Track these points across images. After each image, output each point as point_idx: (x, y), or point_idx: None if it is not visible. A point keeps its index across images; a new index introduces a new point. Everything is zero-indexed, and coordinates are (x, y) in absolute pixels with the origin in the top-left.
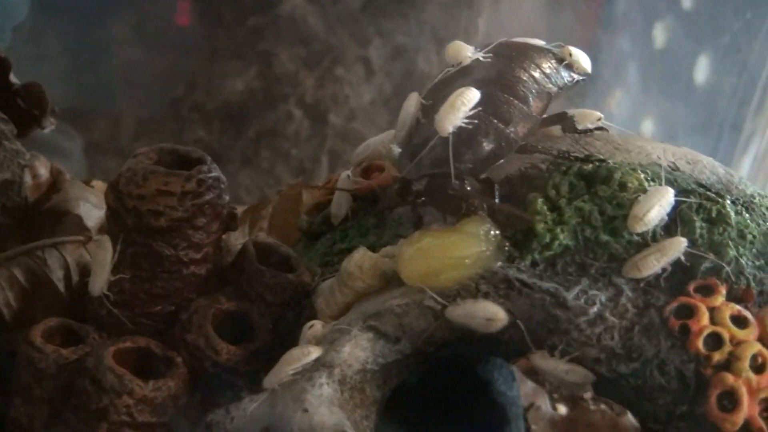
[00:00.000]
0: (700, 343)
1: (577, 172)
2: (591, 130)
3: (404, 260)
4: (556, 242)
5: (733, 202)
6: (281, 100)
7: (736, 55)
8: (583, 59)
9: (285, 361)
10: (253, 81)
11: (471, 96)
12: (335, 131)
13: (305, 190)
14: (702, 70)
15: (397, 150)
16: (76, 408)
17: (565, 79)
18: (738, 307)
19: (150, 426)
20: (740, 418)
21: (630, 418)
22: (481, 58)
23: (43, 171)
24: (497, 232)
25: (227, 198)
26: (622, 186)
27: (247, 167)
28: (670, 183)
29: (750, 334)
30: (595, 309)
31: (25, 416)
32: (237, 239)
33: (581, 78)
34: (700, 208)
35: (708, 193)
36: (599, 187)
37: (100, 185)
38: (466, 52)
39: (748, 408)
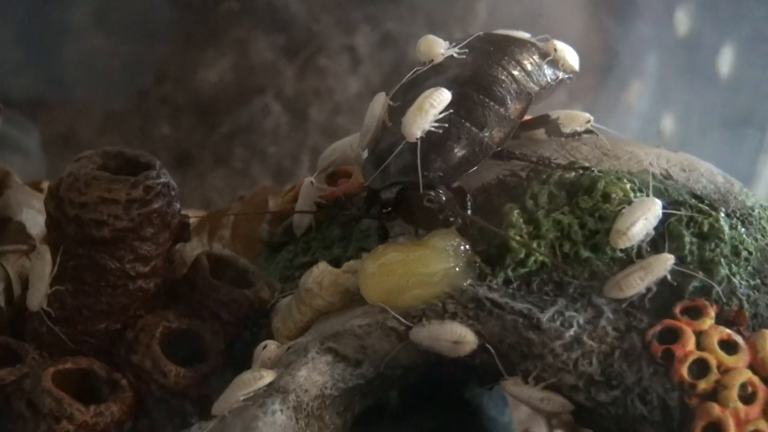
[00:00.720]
0: (684, 371)
1: (557, 180)
2: (579, 134)
3: (366, 277)
4: (532, 258)
5: (728, 215)
6: (258, 92)
7: (762, 46)
8: (569, 55)
9: (236, 385)
10: (227, 71)
11: (441, 97)
12: (317, 127)
13: (271, 196)
14: (726, 61)
15: (364, 155)
16: None
17: (549, 78)
18: (728, 331)
19: None
20: None
21: None
22: (455, 55)
23: None
24: (467, 247)
25: (178, 206)
26: (606, 197)
27: (219, 167)
28: (660, 193)
29: (739, 360)
30: (571, 332)
31: None
32: (194, 250)
33: (567, 76)
34: (690, 222)
35: (700, 204)
36: (581, 198)
37: None
38: (439, 49)
39: None
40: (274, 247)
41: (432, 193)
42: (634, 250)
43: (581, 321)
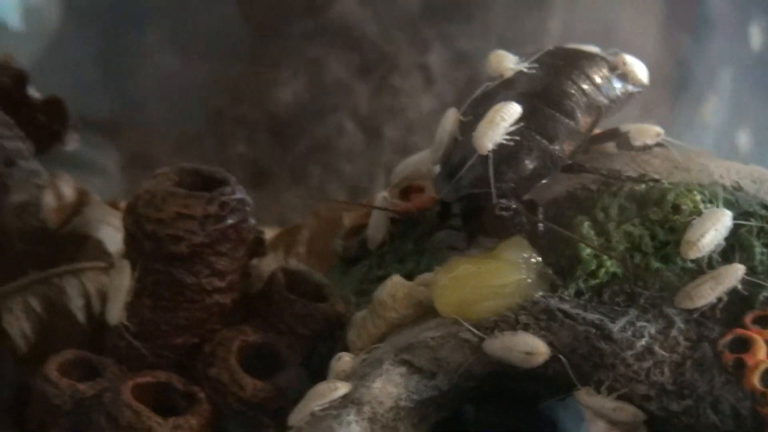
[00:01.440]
0: (756, 380)
1: (627, 193)
2: (650, 147)
3: (439, 289)
4: (603, 270)
5: None
6: (332, 111)
7: None
8: (638, 69)
9: (311, 396)
10: (302, 91)
11: (511, 111)
12: (392, 145)
13: (345, 212)
14: None
15: (436, 170)
16: None
17: (618, 91)
18: None
19: None
20: None
21: None
22: (525, 70)
23: (68, 191)
24: (539, 259)
25: (253, 221)
26: (676, 208)
27: (295, 185)
28: (731, 204)
29: None
30: (643, 342)
31: None
32: (270, 266)
33: (637, 89)
34: (761, 232)
35: None
36: (651, 210)
37: None
38: (509, 64)
39: None
40: (349, 261)
41: (504, 201)
42: (705, 261)
43: (652, 331)
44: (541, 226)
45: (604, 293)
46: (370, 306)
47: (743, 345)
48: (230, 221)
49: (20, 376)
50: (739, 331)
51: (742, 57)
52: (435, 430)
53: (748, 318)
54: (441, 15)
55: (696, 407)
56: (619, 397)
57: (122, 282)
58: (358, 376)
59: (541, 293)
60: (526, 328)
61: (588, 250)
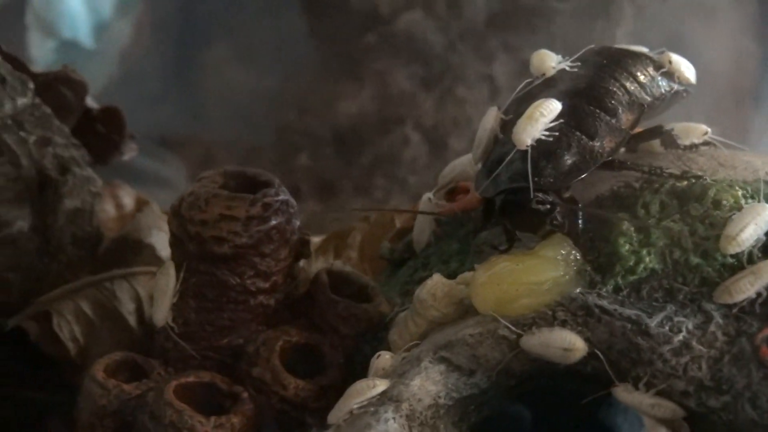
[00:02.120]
0: None
1: (669, 189)
2: (696, 146)
3: (477, 286)
4: (641, 266)
5: None
6: (397, 123)
7: None
8: (685, 67)
9: (349, 394)
10: (367, 103)
11: (551, 107)
12: (457, 156)
13: (397, 216)
14: None
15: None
16: None
17: (663, 89)
18: None
19: None
20: None
21: None
22: (567, 68)
23: (128, 201)
24: (578, 255)
25: (297, 223)
26: (716, 204)
27: (360, 197)
28: None
29: None
30: (680, 337)
31: None
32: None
33: (683, 88)
34: None
35: None
36: (692, 206)
37: None
38: (551, 62)
39: None
40: (396, 263)
41: (541, 195)
42: (745, 256)
43: (690, 326)
44: (580, 223)
45: (643, 289)
46: (411, 305)
47: None
48: (273, 222)
49: (70, 380)
50: None
51: None
52: None
53: None
54: (506, 26)
55: (734, 403)
56: (658, 394)
57: (167, 283)
58: (397, 374)
59: (579, 290)
60: (563, 324)
61: (627, 246)
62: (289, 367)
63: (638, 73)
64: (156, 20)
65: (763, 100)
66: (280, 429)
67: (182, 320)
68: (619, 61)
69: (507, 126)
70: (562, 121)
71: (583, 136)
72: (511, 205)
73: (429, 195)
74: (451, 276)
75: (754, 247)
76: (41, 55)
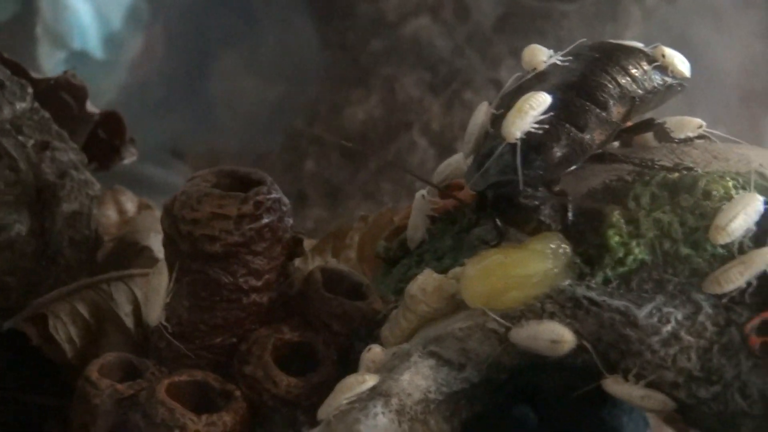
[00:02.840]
0: None
1: (660, 181)
2: (691, 139)
3: (466, 280)
4: (631, 257)
5: None
6: (404, 128)
7: None
8: (679, 61)
9: (339, 389)
10: (375, 109)
11: (540, 100)
12: None
13: (396, 216)
14: None
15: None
16: None
17: (656, 83)
18: None
19: None
20: None
21: None
22: (558, 63)
23: (131, 206)
24: (567, 248)
25: (290, 221)
26: (707, 194)
27: (368, 202)
28: (766, 191)
29: None
30: (669, 327)
31: None
32: None
33: (677, 82)
34: None
35: None
36: (682, 197)
37: None
38: (542, 57)
39: None
40: (391, 261)
41: (530, 190)
42: (736, 246)
43: (679, 317)
44: (570, 215)
45: (633, 281)
46: (402, 301)
47: None
48: (265, 220)
49: (67, 381)
50: (766, 314)
51: None
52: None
53: None
54: (513, 30)
55: (724, 393)
56: (648, 385)
57: (160, 283)
58: (386, 369)
59: (568, 282)
60: (552, 316)
61: (616, 238)
62: (282, 365)
63: (630, 67)
64: (165, 30)
65: None
66: (272, 426)
67: (176, 320)
68: (611, 55)
69: (497, 120)
70: (552, 113)
71: (573, 129)
72: (501, 200)
73: (423, 192)
74: (444, 272)
75: (744, 237)
76: (52, 66)
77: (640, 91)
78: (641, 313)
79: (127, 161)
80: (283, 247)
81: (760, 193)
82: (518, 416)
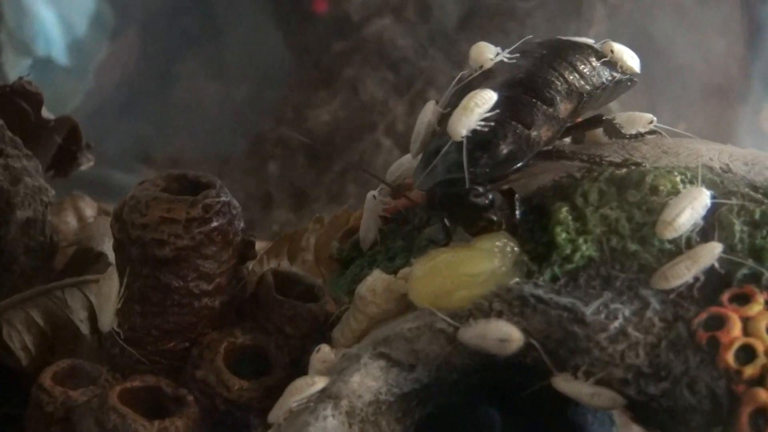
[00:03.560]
0: (730, 357)
1: (608, 177)
2: (642, 135)
3: (414, 280)
4: (578, 254)
5: None
6: (369, 129)
7: None
8: (627, 56)
9: (289, 392)
10: (339, 110)
11: (486, 97)
12: None
13: (353, 218)
14: None
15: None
16: None
17: (604, 78)
18: None
19: None
20: None
21: None
22: (505, 60)
23: (90, 212)
24: (514, 246)
25: (241, 224)
26: (654, 189)
27: (333, 204)
28: (716, 185)
29: None
30: (616, 324)
31: None
32: None
33: (626, 77)
34: (742, 211)
35: (753, 194)
36: (629, 192)
37: None
38: (488, 54)
39: None
40: (344, 262)
41: (480, 188)
42: (683, 241)
43: (627, 313)
44: (517, 214)
45: (580, 277)
46: (352, 302)
47: (718, 323)
48: (215, 224)
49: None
50: (714, 309)
51: None
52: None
53: (725, 296)
54: (476, 29)
55: (673, 389)
56: (598, 382)
57: (111, 289)
58: (336, 371)
59: (515, 280)
60: (499, 315)
61: (564, 235)
62: (235, 369)
63: (578, 63)
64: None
65: (735, 95)
66: (225, 430)
67: (128, 325)
68: (558, 52)
69: (444, 119)
70: (498, 111)
71: (520, 126)
72: (450, 199)
73: (374, 193)
74: (396, 273)
75: (691, 231)
76: (16, 73)
77: (588, 87)
78: (588, 310)
79: (84, 167)
80: (234, 251)
81: (709, 187)
82: (483, 416)
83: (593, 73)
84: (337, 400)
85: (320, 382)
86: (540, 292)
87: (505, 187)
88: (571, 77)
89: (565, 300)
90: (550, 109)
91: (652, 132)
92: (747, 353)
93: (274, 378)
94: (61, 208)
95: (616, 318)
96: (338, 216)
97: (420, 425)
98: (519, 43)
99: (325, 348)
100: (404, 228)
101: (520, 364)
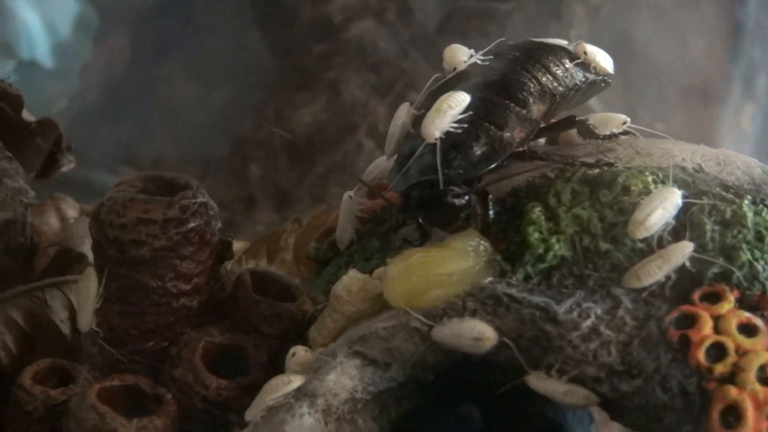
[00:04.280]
0: (701, 355)
1: (581, 177)
2: (616, 136)
3: (389, 280)
4: (551, 253)
5: (754, 203)
6: (351, 131)
7: None
8: (601, 58)
9: (265, 391)
10: (321, 112)
11: (459, 99)
12: None
13: (331, 219)
14: None
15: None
16: None
17: (578, 80)
18: (747, 314)
19: None
20: None
21: None
22: (479, 62)
23: (72, 213)
24: (488, 245)
25: (218, 225)
26: (626, 189)
27: (315, 205)
28: (687, 185)
29: (758, 343)
30: (588, 322)
31: None
32: None
33: (599, 78)
34: (713, 210)
35: (724, 193)
36: (601, 193)
37: None
38: (462, 57)
39: (753, 423)
40: (322, 262)
41: (457, 189)
42: (655, 240)
43: (599, 312)
44: (491, 214)
45: (553, 277)
46: (329, 302)
47: (689, 321)
48: (192, 224)
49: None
50: (685, 307)
51: None
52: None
53: (696, 295)
54: (456, 31)
55: (645, 387)
56: (571, 380)
57: (89, 289)
58: (312, 369)
59: (489, 279)
60: (473, 314)
61: (537, 235)
62: (213, 368)
63: (551, 65)
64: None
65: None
66: (203, 429)
67: (107, 325)
68: (532, 54)
69: (418, 121)
70: (471, 113)
71: (493, 127)
72: (425, 200)
73: (350, 193)
74: (373, 272)
75: (663, 231)
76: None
77: (561, 88)
78: (561, 309)
79: (65, 169)
80: (211, 251)
81: (681, 187)
82: (462, 414)
83: (566, 74)
84: (313, 399)
85: (296, 381)
86: (513, 291)
87: (479, 186)
88: (544, 79)
89: (538, 299)
90: (523, 111)
91: (625, 133)
92: (718, 351)
93: (252, 377)
94: (43, 210)
95: (588, 317)
96: (317, 216)
97: (398, 423)
98: (492, 45)
99: (300, 351)
100: (380, 228)
101: (495, 362)
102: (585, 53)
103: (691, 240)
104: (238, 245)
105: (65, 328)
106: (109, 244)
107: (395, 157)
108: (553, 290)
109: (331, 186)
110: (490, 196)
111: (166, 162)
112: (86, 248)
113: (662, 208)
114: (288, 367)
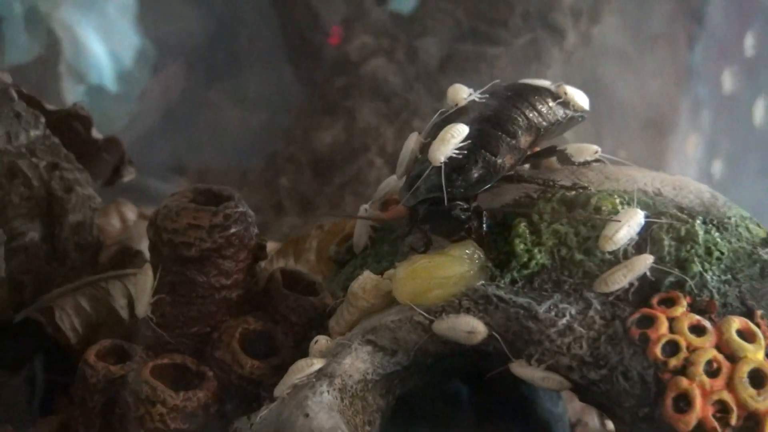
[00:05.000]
0: (658, 350)
1: (560, 198)
2: (589, 163)
3: (397, 281)
4: (534, 261)
5: (704, 222)
6: (363, 150)
7: None
8: (579, 97)
9: (291, 371)
10: (339, 134)
11: (460, 129)
12: None
13: (349, 225)
14: (760, 112)
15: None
16: (121, 417)
17: (559, 116)
18: (697, 317)
19: None
20: (693, 418)
21: None
22: (477, 99)
23: (131, 216)
24: (481, 253)
25: (255, 230)
26: (597, 209)
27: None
28: (648, 206)
29: (706, 341)
30: (564, 321)
31: (81, 425)
32: None
33: (577, 114)
34: (670, 228)
35: (680, 214)
36: (577, 211)
37: None
38: (463, 95)
39: (701, 409)
40: (340, 263)
41: (464, 204)
42: (621, 253)
43: (573, 312)
44: (484, 227)
45: (535, 281)
46: (346, 297)
47: (648, 322)
48: (233, 230)
49: (71, 364)
50: (645, 310)
51: (715, 99)
52: (439, 405)
53: (655, 299)
54: (454, 69)
55: (610, 375)
56: (548, 369)
57: (146, 282)
58: (331, 354)
59: (481, 282)
60: (467, 311)
61: (522, 246)
62: (247, 350)
63: (537, 103)
64: (169, 68)
65: (666, 127)
66: (238, 401)
67: (159, 312)
68: (521, 93)
69: (425, 147)
70: (470, 141)
71: (488, 154)
72: (432, 213)
73: (366, 206)
74: (383, 273)
75: (628, 245)
76: (73, 98)
77: (544, 123)
78: (541, 309)
79: (126, 179)
80: (248, 252)
81: (643, 208)
82: (453, 391)
83: (549, 111)
84: (331, 379)
85: (318, 363)
86: (501, 292)
87: (475, 204)
88: (530, 115)
89: (522, 300)
90: (513, 141)
91: (597, 160)
92: (672, 347)
93: (280, 358)
94: (107, 213)
95: (564, 316)
96: (336, 224)
97: (401, 400)
98: (488, 86)
99: (322, 339)
100: (390, 236)
101: (484, 351)
102: (565, 93)
103: (651, 253)
104: (270, 246)
105: (124, 314)
106: (164, 244)
107: (405, 177)
108: (534, 293)
109: (347, 195)
110: (484, 212)
111: (210, 173)
112: (143, 246)
113: (628, 226)
114: (311, 351)
